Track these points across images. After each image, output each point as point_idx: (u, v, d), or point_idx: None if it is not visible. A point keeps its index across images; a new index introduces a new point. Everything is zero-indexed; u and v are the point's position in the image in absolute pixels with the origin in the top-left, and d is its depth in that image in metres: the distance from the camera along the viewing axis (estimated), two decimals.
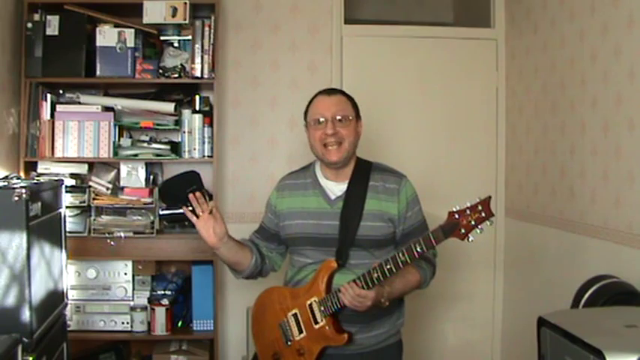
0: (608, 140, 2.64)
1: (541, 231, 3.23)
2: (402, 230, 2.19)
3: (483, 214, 1.92)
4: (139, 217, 3.24)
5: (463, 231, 1.93)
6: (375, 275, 2.02)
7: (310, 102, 2.28)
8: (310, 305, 2.16)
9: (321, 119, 2.18)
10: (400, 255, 2.01)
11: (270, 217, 2.35)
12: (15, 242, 1.97)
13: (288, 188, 2.31)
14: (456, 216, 1.93)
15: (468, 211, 1.93)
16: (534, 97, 3.33)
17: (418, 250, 1.98)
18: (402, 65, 3.67)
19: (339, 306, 2.08)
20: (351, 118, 2.20)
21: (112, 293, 3.22)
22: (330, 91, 2.28)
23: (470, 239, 1.94)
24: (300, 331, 2.18)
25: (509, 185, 3.67)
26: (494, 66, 3.72)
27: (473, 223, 1.92)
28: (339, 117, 2.17)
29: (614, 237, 2.60)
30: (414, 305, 3.37)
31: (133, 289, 3.26)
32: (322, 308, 2.12)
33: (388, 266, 2.01)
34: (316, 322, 2.15)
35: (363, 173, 2.23)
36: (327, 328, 2.12)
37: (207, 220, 2.16)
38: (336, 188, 2.23)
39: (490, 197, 1.94)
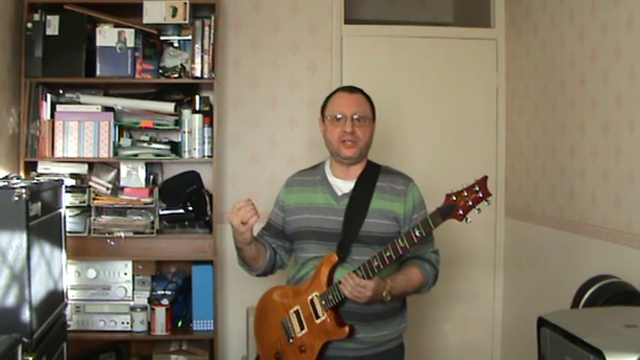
0: (608, 140, 2.64)
1: (541, 231, 3.23)
2: None
3: (480, 194, 1.92)
4: (139, 217, 3.24)
5: (461, 212, 1.94)
6: (375, 263, 2.03)
7: (330, 97, 2.29)
8: (312, 300, 2.16)
9: (340, 116, 2.20)
10: (399, 241, 2.02)
11: (277, 212, 2.36)
12: (15, 242, 1.97)
13: (297, 184, 2.33)
14: (453, 197, 1.95)
15: (465, 192, 1.94)
16: (534, 97, 3.33)
17: (417, 234, 1.99)
18: (402, 65, 3.67)
19: (339, 298, 2.08)
20: (368, 118, 2.23)
21: (112, 293, 3.22)
22: (352, 89, 2.29)
23: (468, 220, 1.94)
24: (302, 328, 2.19)
25: (509, 185, 3.67)
26: (494, 66, 3.72)
27: (470, 203, 1.93)
28: (357, 116, 2.20)
29: (614, 237, 2.60)
30: (414, 305, 3.35)
31: (133, 289, 3.26)
32: (323, 302, 2.13)
33: (388, 253, 2.02)
34: (317, 317, 2.15)
35: (371, 174, 2.25)
36: (328, 321, 2.13)
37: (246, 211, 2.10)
38: (343, 186, 2.25)
39: (487, 177, 1.94)
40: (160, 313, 3.21)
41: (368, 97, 2.28)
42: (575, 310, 2.31)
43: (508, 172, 3.69)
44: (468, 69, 3.70)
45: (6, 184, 2.12)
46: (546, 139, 3.18)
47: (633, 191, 2.48)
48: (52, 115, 3.17)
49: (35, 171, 3.17)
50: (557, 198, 3.08)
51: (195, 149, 3.28)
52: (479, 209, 1.94)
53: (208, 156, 3.29)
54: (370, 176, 2.24)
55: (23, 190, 1.99)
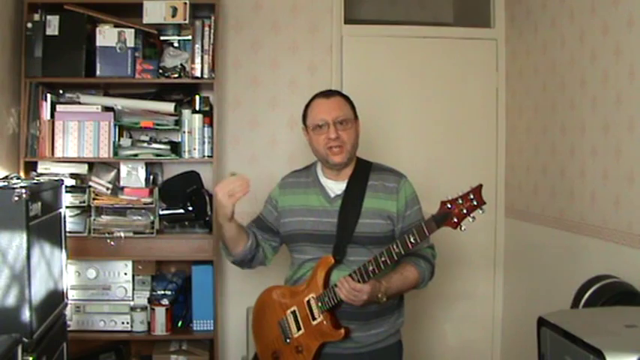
0: (608, 140, 2.64)
1: (541, 231, 3.23)
2: (401, 229, 2.20)
3: (475, 203, 1.94)
4: (139, 217, 3.24)
5: (455, 220, 1.95)
6: (371, 268, 2.04)
7: (308, 105, 2.29)
8: (308, 302, 2.17)
9: (322, 123, 2.20)
10: (394, 247, 2.03)
11: (269, 208, 2.36)
12: (15, 242, 1.97)
13: (291, 186, 2.34)
14: (448, 205, 1.96)
15: (460, 200, 1.95)
16: (534, 97, 3.33)
17: (412, 240, 2.00)
18: (402, 65, 3.67)
19: (335, 301, 2.09)
20: (351, 120, 2.23)
21: (112, 293, 3.22)
22: (329, 93, 2.29)
23: (462, 228, 1.96)
24: (299, 328, 2.20)
25: (509, 185, 3.67)
26: (494, 66, 3.72)
27: (465, 211, 1.94)
28: (339, 120, 2.19)
29: (614, 237, 2.60)
30: (413, 305, 3.36)
31: (133, 289, 3.26)
32: (320, 304, 2.14)
33: (383, 258, 2.03)
34: (314, 319, 2.16)
35: (362, 173, 2.25)
36: (324, 323, 2.14)
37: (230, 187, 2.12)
38: (335, 187, 2.25)
39: (481, 185, 1.95)
40: (160, 313, 3.21)
41: (347, 98, 2.27)
42: (575, 310, 2.31)
43: (508, 172, 3.69)
44: (468, 69, 3.70)
45: (6, 184, 2.12)
46: (546, 139, 3.18)
47: (633, 191, 2.48)
48: (52, 115, 3.17)
49: (35, 171, 3.17)
50: (557, 198, 3.07)
51: (195, 149, 3.28)
52: (473, 217, 1.95)
53: (208, 156, 3.29)
54: (361, 175, 2.24)
55: (23, 190, 1.99)
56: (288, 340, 2.22)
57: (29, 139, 3.13)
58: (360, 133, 2.27)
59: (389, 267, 2.07)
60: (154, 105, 3.28)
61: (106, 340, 3.28)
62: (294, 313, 2.21)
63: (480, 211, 1.95)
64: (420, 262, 2.21)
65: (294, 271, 2.30)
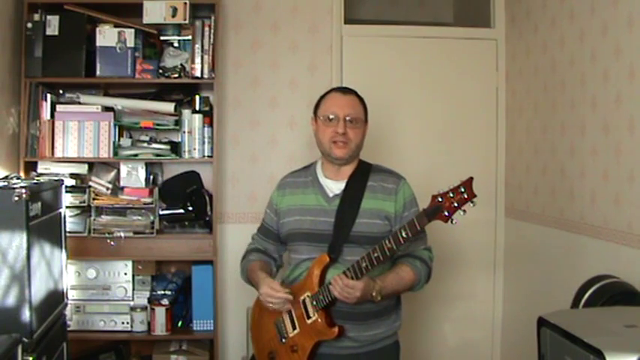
0: (608, 140, 2.64)
1: (541, 231, 3.23)
2: None
3: (466, 196, 1.93)
4: (139, 217, 3.24)
5: (446, 213, 1.95)
6: (364, 264, 2.04)
7: (323, 97, 2.30)
8: (303, 301, 2.18)
9: (332, 116, 2.21)
10: (387, 242, 2.03)
11: (271, 215, 2.38)
12: (15, 242, 1.98)
13: (289, 186, 2.34)
14: (439, 199, 1.95)
15: (450, 194, 1.94)
16: (534, 97, 3.33)
17: (403, 235, 2.00)
18: (402, 65, 3.67)
19: (330, 299, 2.10)
20: (361, 120, 2.24)
21: (112, 293, 3.23)
22: (346, 90, 2.31)
23: (453, 221, 1.95)
24: (294, 328, 2.20)
25: (509, 185, 3.67)
26: (494, 66, 3.72)
27: (456, 204, 1.94)
28: (350, 118, 2.21)
29: (614, 237, 2.60)
30: (413, 305, 3.37)
31: (133, 289, 3.26)
32: (314, 302, 2.14)
33: (375, 254, 2.03)
34: (309, 317, 2.17)
35: (362, 173, 2.26)
36: (319, 321, 2.14)
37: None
38: (334, 186, 2.25)
39: (472, 178, 1.95)
40: (160, 313, 3.21)
41: (361, 99, 2.28)
42: (575, 310, 2.31)
43: (508, 172, 3.69)
44: (468, 69, 3.70)
45: (6, 184, 2.13)
46: (546, 139, 3.18)
47: (633, 191, 2.48)
48: (52, 115, 3.17)
49: (35, 171, 3.18)
50: (557, 198, 3.08)
51: (195, 149, 3.28)
52: (464, 210, 1.95)
53: (208, 156, 3.29)
54: (361, 176, 2.25)
55: (23, 190, 1.99)
56: (283, 340, 2.23)
57: (29, 139, 3.13)
58: (365, 137, 2.28)
59: (382, 263, 2.07)
60: (153, 105, 3.28)
61: (106, 340, 3.28)
62: (289, 312, 2.22)
63: (471, 204, 1.94)
64: (417, 263, 2.21)
65: (290, 270, 2.31)
